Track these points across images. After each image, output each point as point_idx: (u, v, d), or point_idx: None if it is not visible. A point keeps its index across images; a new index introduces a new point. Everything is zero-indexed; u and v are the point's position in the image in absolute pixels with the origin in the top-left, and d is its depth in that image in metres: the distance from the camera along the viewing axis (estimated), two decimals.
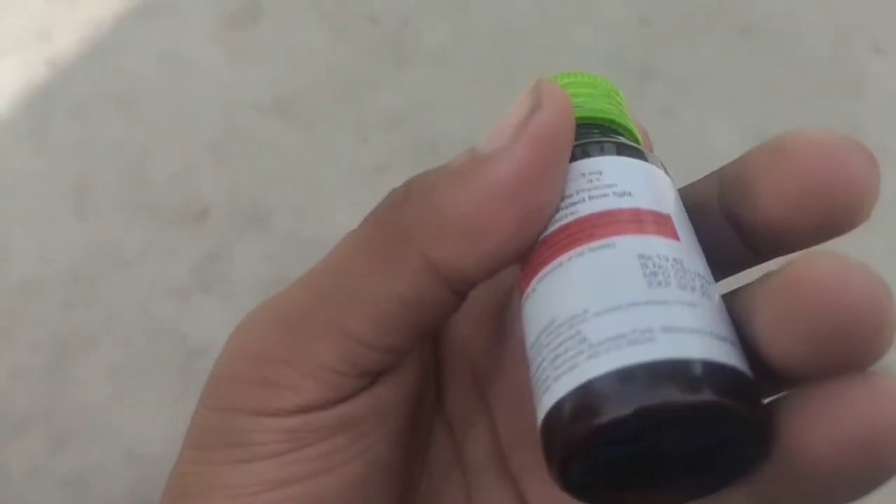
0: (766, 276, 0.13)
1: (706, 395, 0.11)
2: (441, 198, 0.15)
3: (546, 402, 0.13)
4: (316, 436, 0.15)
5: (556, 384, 0.13)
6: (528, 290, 0.15)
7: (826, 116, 0.70)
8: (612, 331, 0.12)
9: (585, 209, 0.14)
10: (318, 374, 0.15)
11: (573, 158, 0.15)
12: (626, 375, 0.12)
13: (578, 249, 0.14)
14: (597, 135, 0.16)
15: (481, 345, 0.19)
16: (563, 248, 0.14)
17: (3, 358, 0.65)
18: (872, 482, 0.11)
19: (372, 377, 0.16)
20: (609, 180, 0.15)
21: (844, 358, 0.11)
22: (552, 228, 0.14)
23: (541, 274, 0.14)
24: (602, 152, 0.15)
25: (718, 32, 0.75)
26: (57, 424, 0.62)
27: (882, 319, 0.11)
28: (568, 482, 0.13)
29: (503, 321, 0.19)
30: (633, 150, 0.16)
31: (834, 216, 0.13)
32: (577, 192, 0.15)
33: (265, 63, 0.78)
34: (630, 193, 0.14)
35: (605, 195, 0.14)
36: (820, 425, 0.11)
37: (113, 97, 0.78)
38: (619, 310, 0.12)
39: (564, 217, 0.14)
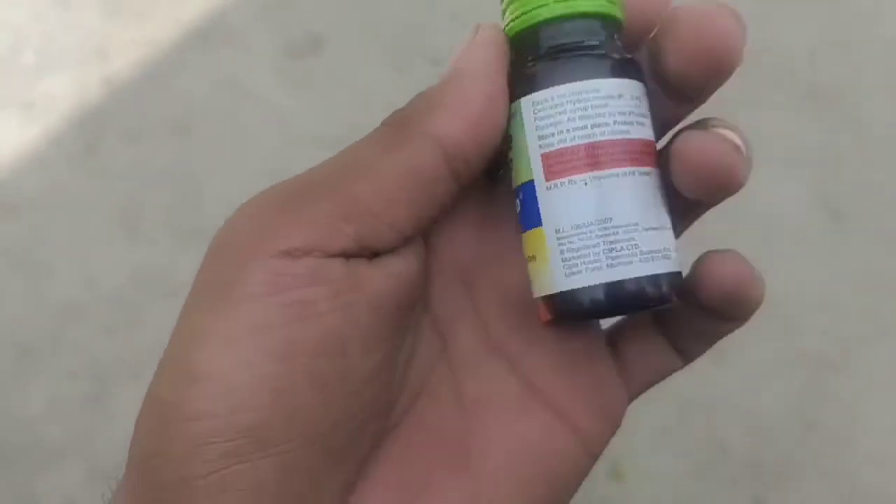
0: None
1: (673, 296, 0.19)
2: (431, 95, 0.18)
3: (597, 278, 0.18)
4: (295, 281, 0.17)
5: (610, 269, 0.18)
6: (571, 178, 0.18)
7: (889, 186, 0.69)
8: (653, 245, 0.18)
9: (636, 133, 0.19)
10: (312, 222, 0.17)
11: (587, 73, 0.19)
12: (655, 279, 0.19)
13: (632, 169, 0.18)
14: (617, 44, 0.19)
15: (467, 249, 0.21)
16: (620, 162, 0.18)
17: (41, 384, 0.63)
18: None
19: (359, 248, 0.18)
20: (643, 108, 0.19)
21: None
22: (608, 137, 0.18)
23: (594, 174, 0.18)
24: (634, 74, 0.19)
25: (783, 95, 0.74)
26: (94, 457, 0.60)
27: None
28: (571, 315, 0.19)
29: (486, 229, 0.21)
30: (637, 69, 0.19)
31: (715, 64, 0.18)
32: (629, 113, 0.19)
33: (324, 96, 0.77)
34: (649, 122, 0.19)
35: (643, 123, 0.19)
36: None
37: (168, 121, 0.77)
38: (656, 231, 0.19)
39: (619, 133, 0.18)
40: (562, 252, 0.18)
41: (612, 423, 0.20)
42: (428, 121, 0.18)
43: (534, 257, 0.19)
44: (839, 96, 0.73)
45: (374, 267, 0.18)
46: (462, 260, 0.21)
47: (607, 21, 0.19)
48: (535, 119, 0.19)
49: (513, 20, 0.19)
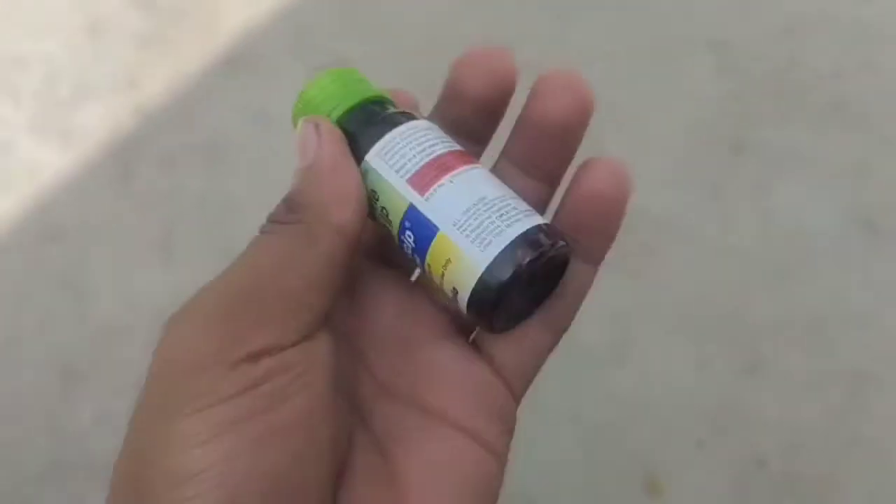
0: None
1: (561, 241, 0.22)
2: (317, 191, 0.21)
3: (505, 238, 0.21)
4: (264, 376, 0.19)
5: (509, 229, 0.21)
6: (439, 183, 0.22)
7: None
8: (524, 207, 0.22)
9: (446, 148, 0.22)
10: (260, 325, 0.19)
11: (399, 122, 0.23)
12: (545, 227, 0.22)
13: (470, 166, 0.22)
14: (391, 108, 0.24)
15: (343, 310, 0.23)
16: (459, 164, 0.22)
17: (89, 403, 0.64)
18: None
19: (304, 335, 0.20)
20: (436, 134, 0.23)
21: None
22: (434, 155, 0.22)
23: (452, 174, 0.22)
24: (413, 118, 0.23)
25: (811, 109, 0.74)
26: None
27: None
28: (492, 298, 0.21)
29: (352, 290, 0.24)
30: (413, 116, 0.23)
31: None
32: (440, 137, 0.23)
33: None
34: (451, 141, 0.23)
35: (449, 142, 0.23)
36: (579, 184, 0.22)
37: (199, 147, 0.78)
38: (517, 199, 0.22)
39: (436, 150, 0.22)
40: (467, 236, 0.21)
41: (506, 422, 0.22)
42: (326, 216, 0.21)
43: (449, 260, 0.21)
44: (865, 111, 0.73)
45: (315, 343, 0.20)
46: (338, 319, 0.23)
47: (384, 98, 0.24)
48: (387, 162, 0.22)
49: (331, 109, 0.23)
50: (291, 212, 0.21)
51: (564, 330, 0.23)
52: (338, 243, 0.21)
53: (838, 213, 0.68)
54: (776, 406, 0.59)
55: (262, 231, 0.22)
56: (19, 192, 0.77)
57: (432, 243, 0.21)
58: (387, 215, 0.22)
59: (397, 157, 0.22)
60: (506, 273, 0.20)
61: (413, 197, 0.22)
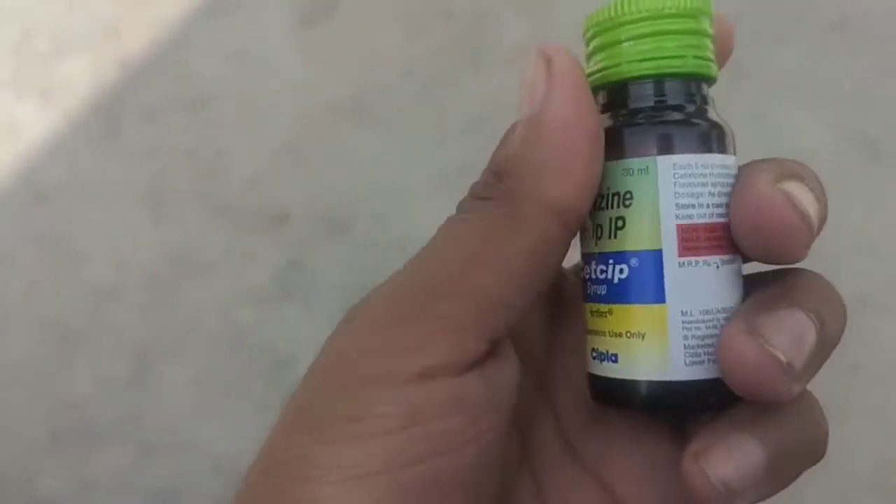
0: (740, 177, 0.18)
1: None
2: (529, 156, 0.17)
3: (716, 371, 0.17)
4: (436, 411, 0.15)
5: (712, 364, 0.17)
6: (704, 259, 0.17)
7: None
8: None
9: (727, 218, 0.18)
10: (446, 330, 0.15)
11: (722, 147, 0.18)
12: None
13: (733, 256, 0.18)
14: (712, 109, 0.18)
15: (537, 340, 0.19)
16: (729, 249, 0.17)
17: (85, 365, 0.64)
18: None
19: (492, 344, 0.16)
20: (730, 187, 0.18)
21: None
22: (718, 221, 0.17)
23: (720, 258, 0.17)
24: (725, 148, 0.18)
25: (809, 30, 0.71)
26: (143, 435, 0.61)
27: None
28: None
29: (554, 318, 0.20)
30: (730, 144, 0.18)
31: (775, 253, 0.17)
32: (725, 198, 0.18)
33: (340, 62, 0.76)
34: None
35: (729, 204, 0.18)
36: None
37: (185, 99, 0.76)
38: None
39: (722, 216, 0.17)
40: (685, 338, 0.17)
41: None
42: (540, 190, 0.16)
43: (643, 335, 0.17)
44: (868, 30, 0.70)
45: (500, 370, 0.17)
46: (535, 351, 0.20)
47: (711, 83, 0.18)
48: (675, 185, 0.17)
49: (627, 63, 0.18)
50: (498, 183, 0.17)
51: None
52: (551, 229, 0.16)
53: (840, 136, 0.66)
54: None
55: (460, 210, 0.17)
56: (1, 151, 0.75)
57: (642, 305, 0.17)
58: (606, 226, 0.18)
59: (691, 191, 0.17)
60: (690, 403, 0.17)
61: (669, 247, 0.17)
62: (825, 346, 0.16)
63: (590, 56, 0.19)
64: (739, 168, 0.18)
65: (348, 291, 0.64)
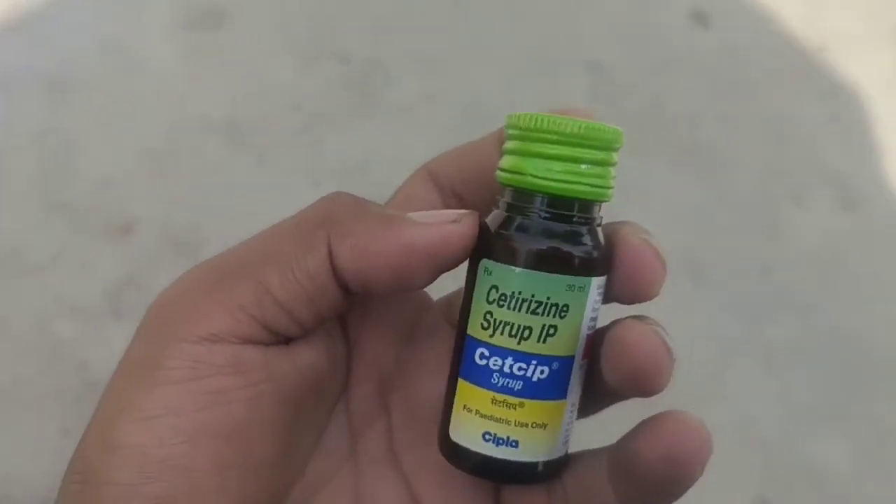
0: (610, 327, 0.20)
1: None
2: (365, 217, 0.20)
3: (564, 451, 0.21)
4: (213, 368, 0.19)
5: (565, 446, 0.21)
6: (585, 361, 0.20)
7: (743, 253, 0.75)
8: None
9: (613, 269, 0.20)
10: (231, 309, 0.19)
11: (607, 272, 0.20)
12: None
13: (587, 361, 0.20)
14: (598, 240, 0.20)
15: (389, 358, 0.23)
16: (591, 350, 0.20)
17: None
18: (677, 483, 0.19)
19: (274, 339, 0.20)
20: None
21: (642, 384, 0.19)
22: (595, 329, 0.20)
23: (587, 360, 0.20)
24: (603, 272, 0.20)
25: (667, 149, 0.79)
26: None
27: (662, 366, 0.19)
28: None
29: (411, 341, 0.23)
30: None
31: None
32: (598, 317, 0.20)
33: (222, 76, 0.74)
34: None
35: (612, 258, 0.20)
36: (649, 441, 0.19)
37: (42, 77, 0.70)
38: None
39: (597, 324, 0.20)
40: (568, 423, 0.20)
41: None
42: (337, 239, 0.19)
43: (545, 426, 0.20)
44: (714, 162, 0.79)
45: (284, 357, 0.20)
46: (383, 367, 0.23)
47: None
48: (594, 301, 0.20)
49: (581, 183, 0.20)
50: (320, 204, 0.20)
51: None
52: (325, 269, 0.19)
53: (671, 253, 0.73)
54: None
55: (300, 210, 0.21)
56: None
57: (549, 401, 0.20)
58: (533, 329, 0.19)
59: (596, 307, 0.20)
60: (557, 472, 0.21)
61: (578, 354, 0.20)
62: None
63: (511, 151, 0.20)
64: (606, 226, 0.21)
65: None
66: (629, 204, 0.74)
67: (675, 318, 0.76)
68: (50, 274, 0.62)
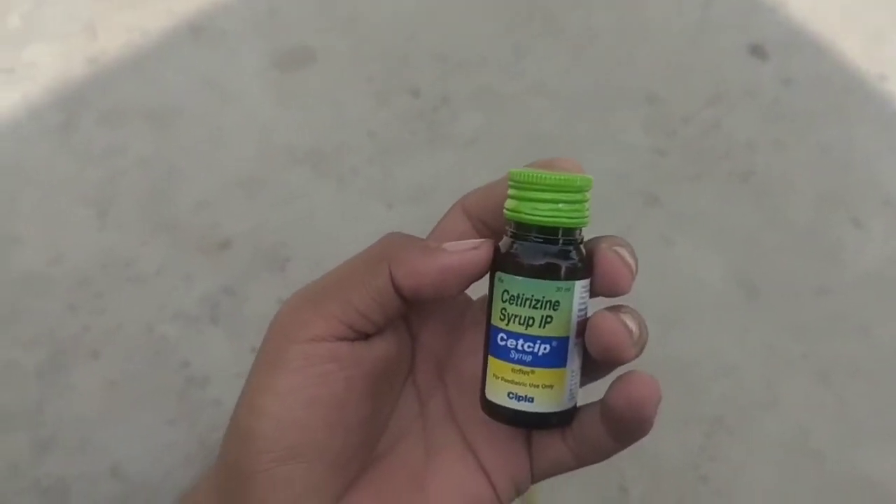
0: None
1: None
2: (411, 249, 0.27)
3: (574, 402, 0.28)
4: (318, 359, 0.26)
5: (572, 399, 0.28)
6: (580, 340, 0.27)
7: (804, 274, 0.77)
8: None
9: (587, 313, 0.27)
10: (327, 318, 0.27)
11: (589, 273, 0.27)
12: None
13: (582, 339, 0.27)
14: (580, 251, 0.27)
15: (442, 345, 0.30)
16: (583, 330, 0.27)
17: None
18: (640, 419, 0.26)
19: (358, 336, 0.27)
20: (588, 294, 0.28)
21: (611, 355, 0.26)
22: (586, 315, 0.27)
23: (582, 338, 0.27)
24: (585, 276, 0.27)
25: (723, 175, 0.82)
26: (44, 428, 0.62)
27: (623, 342, 0.26)
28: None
29: (458, 331, 0.30)
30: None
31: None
32: (587, 306, 0.27)
33: (306, 110, 0.81)
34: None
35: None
36: (615, 393, 0.26)
37: (149, 110, 0.79)
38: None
39: (588, 312, 0.27)
40: (570, 387, 0.27)
41: (518, 487, 0.30)
42: (394, 266, 0.27)
43: (551, 386, 0.27)
44: (770, 187, 0.81)
45: (366, 348, 0.28)
46: (438, 352, 0.31)
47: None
48: (579, 298, 0.27)
49: (569, 216, 0.27)
50: (382, 242, 0.28)
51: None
52: (387, 286, 0.27)
53: (724, 279, 0.76)
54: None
55: (392, 233, 0.28)
56: None
57: (552, 368, 0.27)
58: (535, 319, 0.27)
59: (582, 299, 0.27)
60: (571, 419, 0.28)
61: (571, 335, 0.27)
62: (644, 332, 0.27)
63: (512, 196, 0.27)
64: (588, 241, 0.28)
65: None
66: (686, 227, 0.78)
67: (729, 335, 0.79)
68: (156, 284, 0.69)
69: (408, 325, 0.30)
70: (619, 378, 0.26)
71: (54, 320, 0.66)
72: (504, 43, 0.87)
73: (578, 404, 0.28)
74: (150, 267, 0.70)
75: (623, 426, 0.27)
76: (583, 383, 0.28)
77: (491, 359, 0.27)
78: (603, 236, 0.28)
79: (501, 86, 0.84)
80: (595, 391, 0.28)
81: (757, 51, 0.89)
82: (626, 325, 0.26)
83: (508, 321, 0.27)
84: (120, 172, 0.75)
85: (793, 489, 0.66)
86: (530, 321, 0.26)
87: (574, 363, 0.27)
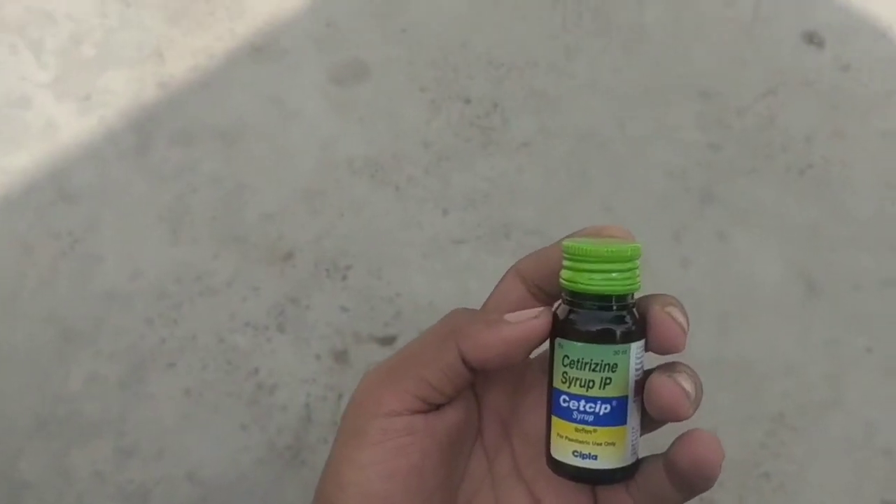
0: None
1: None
2: (476, 324, 0.29)
3: (633, 458, 0.29)
4: (395, 433, 0.28)
5: (633, 456, 0.29)
6: (640, 397, 0.28)
7: (868, 266, 0.76)
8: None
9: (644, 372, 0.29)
10: (402, 394, 0.29)
11: (643, 335, 0.29)
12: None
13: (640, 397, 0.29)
14: (633, 317, 0.29)
15: (507, 406, 0.32)
16: (642, 390, 0.28)
17: (82, 363, 0.69)
18: (704, 477, 0.27)
19: (431, 407, 0.29)
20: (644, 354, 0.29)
21: (668, 417, 0.27)
22: (642, 373, 0.28)
23: (640, 396, 0.28)
24: (640, 337, 0.29)
25: (780, 168, 0.81)
26: (125, 436, 0.66)
27: (680, 405, 0.27)
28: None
29: (520, 391, 0.32)
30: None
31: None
32: (643, 364, 0.29)
33: (364, 122, 0.84)
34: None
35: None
36: (679, 452, 0.27)
37: (218, 129, 0.83)
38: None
39: (642, 371, 0.29)
40: (632, 442, 0.29)
41: None
42: (460, 341, 0.29)
43: (613, 444, 0.29)
44: (829, 179, 0.80)
45: (439, 418, 0.30)
46: (503, 412, 0.33)
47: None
48: (635, 358, 0.28)
49: (598, 285, 0.28)
50: (450, 318, 0.30)
51: None
52: (455, 360, 0.29)
53: (783, 275, 0.75)
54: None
55: (459, 311, 0.31)
56: (34, 149, 0.81)
57: (614, 427, 0.28)
58: (595, 381, 0.28)
59: (639, 360, 0.28)
60: (630, 475, 0.29)
61: (630, 394, 0.28)
62: (699, 391, 0.28)
63: (567, 268, 0.29)
64: (641, 298, 0.29)
65: (336, 331, 0.70)
66: (743, 222, 0.77)
67: (791, 331, 0.79)
68: (227, 295, 0.73)
69: (474, 390, 0.32)
70: (683, 437, 0.27)
71: (134, 333, 0.71)
72: (554, 44, 0.88)
73: (641, 455, 0.29)
74: (220, 279, 0.73)
75: (688, 483, 0.28)
76: (643, 433, 0.29)
77: (554, 419, 0.29)
78: (654, 295, 0.29)
79: (553, 87, 0.85)
80: (656, 440, 0.30)
81: (812, 38, 0.88)
82: (682, 388, 0.27)
83: (570, 384, 0.28)
84: (191, 190, 0.79)
85: (860, 487, 0.65)
86: (590, 383, 0.28)
87: (634, 420, 0.28)
